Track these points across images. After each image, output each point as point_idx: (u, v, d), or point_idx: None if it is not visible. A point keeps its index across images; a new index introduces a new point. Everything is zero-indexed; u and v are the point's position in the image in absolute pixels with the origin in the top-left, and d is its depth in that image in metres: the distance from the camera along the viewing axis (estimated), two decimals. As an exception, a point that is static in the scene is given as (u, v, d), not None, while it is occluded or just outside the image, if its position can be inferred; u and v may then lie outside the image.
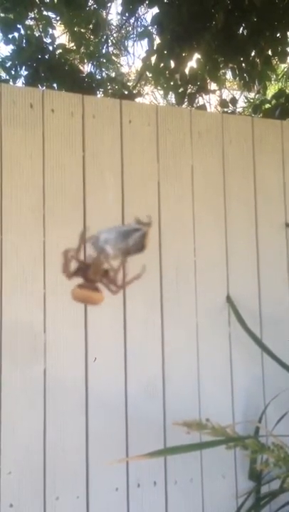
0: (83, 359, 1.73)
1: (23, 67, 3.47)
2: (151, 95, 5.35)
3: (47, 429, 1.66)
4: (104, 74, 4.03)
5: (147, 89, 5.09)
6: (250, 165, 2.05)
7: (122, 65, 4.88)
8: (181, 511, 1.81)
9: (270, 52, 3.41)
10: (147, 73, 3.88)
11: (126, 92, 3.59)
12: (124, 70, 5.12)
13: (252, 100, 4.49)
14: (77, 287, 0.91)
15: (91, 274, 0.89)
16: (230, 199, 2.00)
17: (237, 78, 3.53)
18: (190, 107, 3.46)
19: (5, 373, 1.63)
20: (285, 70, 4.71)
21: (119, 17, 4.46)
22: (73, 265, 0.92)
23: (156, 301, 1.85)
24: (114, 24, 4.56)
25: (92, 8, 3.58)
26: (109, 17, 4.26)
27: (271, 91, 4.51)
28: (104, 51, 4.09)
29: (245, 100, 4.71)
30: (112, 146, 1.86)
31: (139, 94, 3.95)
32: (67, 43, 3.81)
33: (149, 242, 0.95)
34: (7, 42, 3.33)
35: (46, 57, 3.39)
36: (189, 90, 3.48)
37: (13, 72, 3.51)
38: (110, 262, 0.90)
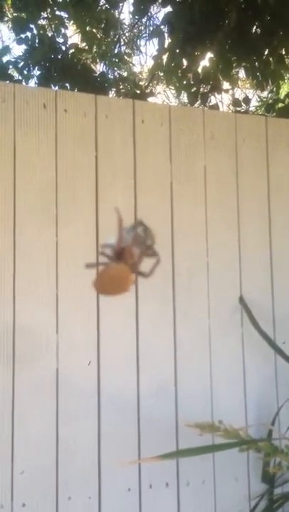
0: (95, 360, 1.73)
1: (36, 68, 3.48)
2: (164, 95, 5.33)
3: (59, 429, 1.66)
4: (116, 74, 4.02)
5: (159, 88, 5.08)
6: (264, 165, 2.04)
7: (134, 65, 4.88)
8: (193, 513, 1.80)
9: (283, 51, 3.39)
10: (159, 73, 3.88)
11: (138, 92, 3.58)
12: (136, 69, 5.12)
13: (265, 100, 4.47)
14: (111, 265, 0.89)
15: (126, 258, 0.87)
16: (244, 199, 1.99)
17: (250, 77, 3.52)
18: (203, 107, 3.45)
19: (18, 373, 1.63)
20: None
21: (131, 16, 4.45)
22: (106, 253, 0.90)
23: (169, 301, 1.84)
24: (126, 24, 4.55)
25: (103, 7, 3.58)
26: (122, 16, 4.25)
27: (284, 90, 4.48)
28: (116, 51, 4.08)
29: (258, 99, 4.68)
30: (125, 146, 1.85)
31: (152, 93, 3.94)
32: (79, 43, 3.81)
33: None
34: (20, 42, 3.34)
35: (59, 57, 3.39)
36: (202, 90, 3.47)
37: (25, 73, 3.52)
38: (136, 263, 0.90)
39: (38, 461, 1.64)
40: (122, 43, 4.17)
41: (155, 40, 3.67)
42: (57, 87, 3.32)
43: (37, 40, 3.35)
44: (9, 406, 1.62)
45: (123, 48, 4.33)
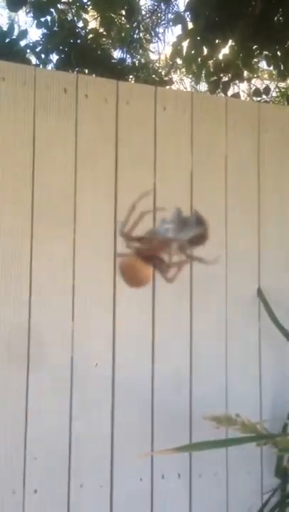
0: (111, 348, 1.71)
1: (54, 53, 3.43)
2: (181, 84, 5.26)
3: (73, 416, 1.65)
4: (135, 60, 3.96)
5: (176, 77, 5.01)
6: (287, 155, 2.00)
7: (152, 52, 4.81)
8: (204, 505, 1.79)
9: (306, 41, 3.32)
10: (178, 61, 3.81)
11: (157, 79, 3.53)
12: (155, 56, 5.05)
13: (283, 90, 4.39)
14: (130, 255, 0.86)
15: (147, 250, 0.84)
16: (265, 190, 1.95)
17: (271, 66, 3.45)
18: (225, 96, 3.39)
19: (33, 360, 1.62)
20: None
21: (150, 2, 4.38)
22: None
23: (186, 292, 1.82)
24: (146, 10, 4.48)
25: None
26: (141, 2, 4.18)
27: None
28: (135, 37, 4.02)
29: (277, 90, 4.60)
30: (146, 133, 1.82)
31: (171, 81, 3.88)
32: (98, 28, 3.75)
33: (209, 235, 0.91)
34: (39, 25, 3.29)
35: (78, 41, 3.34)
36: (223, 78, 3.41)
37: (43, 57, 3.47)
38: (167, 251, 0.87)
39: (51, 448, 1.63)
40: (142, 29, 4.10)
41: (174, 28, 3.61)
42: (75, 73, 3.28)
43: (56, 24, 3.30)
44: (23, 392, 1.61)
45: (142, 35, 4.26)
